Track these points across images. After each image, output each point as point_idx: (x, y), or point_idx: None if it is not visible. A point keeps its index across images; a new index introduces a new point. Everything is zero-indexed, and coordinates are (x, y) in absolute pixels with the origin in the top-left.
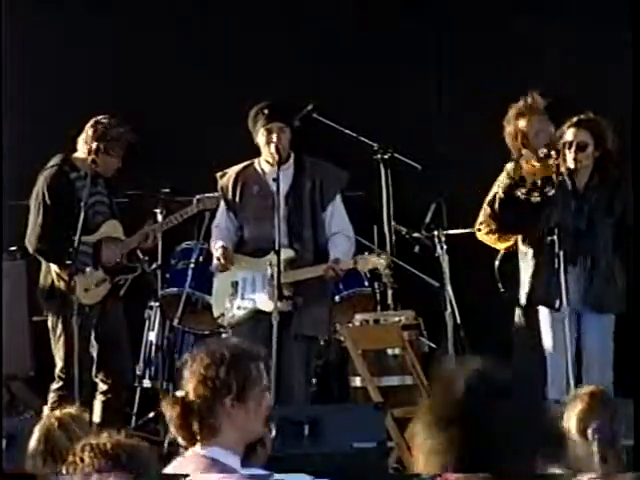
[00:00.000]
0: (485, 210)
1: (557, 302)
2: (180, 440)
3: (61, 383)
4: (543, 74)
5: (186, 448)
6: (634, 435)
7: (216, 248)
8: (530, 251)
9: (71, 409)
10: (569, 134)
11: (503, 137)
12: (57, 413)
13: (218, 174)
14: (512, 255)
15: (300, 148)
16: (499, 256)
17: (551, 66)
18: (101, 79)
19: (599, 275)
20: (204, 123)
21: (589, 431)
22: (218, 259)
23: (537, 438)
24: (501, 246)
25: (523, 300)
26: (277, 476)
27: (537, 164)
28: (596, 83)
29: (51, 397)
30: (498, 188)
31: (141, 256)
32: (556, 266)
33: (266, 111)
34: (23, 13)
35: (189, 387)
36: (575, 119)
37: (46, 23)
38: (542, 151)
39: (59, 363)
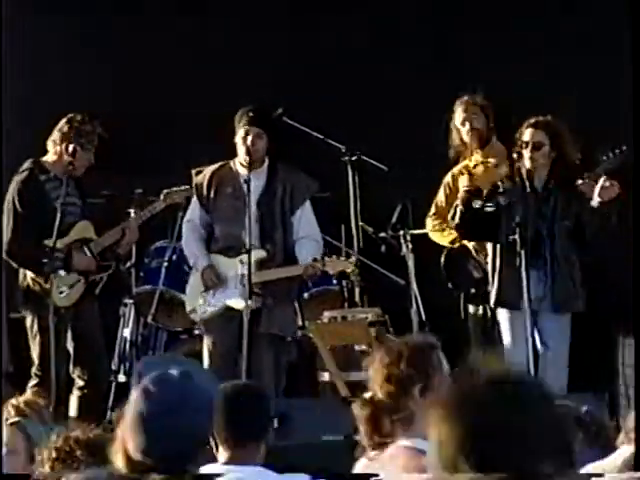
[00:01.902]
0: (441, 212)
1: (518, 302)
2: (367, 440)
3: (37, 380)
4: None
5: (373, 448)
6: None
7: (203, 268)
8: (490, 252)
9: (25, 397)
10: (526, 134)
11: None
12: (14, 403)
13: (193, 171)
14: (458, 251)
15: (274, 154)
16: (444, 252)
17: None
18: (77, 80)
19: (557, 275)
20: (176, 124)
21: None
22: (211, 281)
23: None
24: (445, 241)
25: (488, 299)
26: (275, 476)
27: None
28: (596, 83)
29: (27, 394)
30: (458, 201)
31: (119, 251)
32: (517, 265)
33: (251, 114)
34: (22, 15)
35: (375, 387)
36: (532, 120)
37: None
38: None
39: (35, 361)
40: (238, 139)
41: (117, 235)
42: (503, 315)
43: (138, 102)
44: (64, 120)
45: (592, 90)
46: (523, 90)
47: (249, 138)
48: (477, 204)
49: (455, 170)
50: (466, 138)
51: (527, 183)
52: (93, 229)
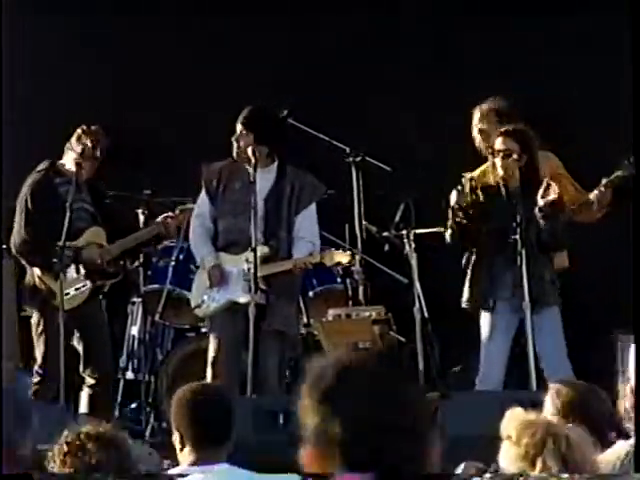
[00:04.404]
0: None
1: (487, 302)
2: None
3: (39, 378)
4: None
5: None
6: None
7: (210, 266)
8: (476, 251)
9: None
10: (498, 143)
11: (470, 138)
12: None
13: (203, 165)
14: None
15: (283, 155)
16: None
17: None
18: (77, 80)
19: (533, 274)
20: (179, 124)
21: None
22: (217, 279)
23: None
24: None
25: (470, 297)
26: (266, 477)
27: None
28: (596, 83)
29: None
30: (450, 220)
31: (126, 263)
32: (491, 266)
33: (243, 113)
34: (22, 15)
35: None
36: (503, 129)
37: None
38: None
39: (38, 359)
40: None
41: (128, 244)
42: (485, 317)
43: (139, 102)
44: (79, 130)
45: (592, 90)
46: (523, 90)
47: (235, 135)
48: (461, 219)
49: (475, 174)
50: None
51: (502, 188)
52: (105, 236)
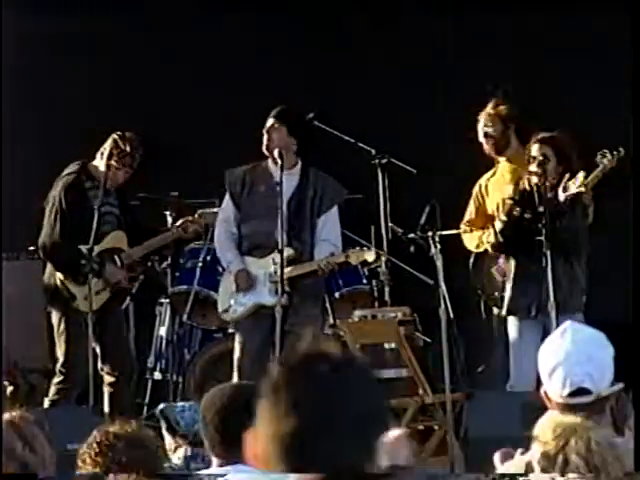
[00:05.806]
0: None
1: (527, 311)
2: None
3: (61, 378)
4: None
5: None
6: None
7: (237, 271)
8: (512, 261)
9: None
10: (533, 149)
11: None
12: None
13: (226, 171)
14: (484, 255)
15: (307, 157)
16: (472, 255)
17: (553, 68)
18: (109, 84)
19: (567, 279)
20: (210, 129)
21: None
22: (244, 284)
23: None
24: (471, 246)
25: (505, 306)
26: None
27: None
28: (596, 85)
29: (51, 391)
30: (502, 212)
31: (148, 266)
32: (529, 275)
33: (276, 109)
34: (22, 15)
35: None
36: (540, 135)
37: (50, 26)
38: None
39: (60, 359)
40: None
41: (148, 249)
42: (512, 323)
43: (168, 104)
44: (113, 137)
45: (592, 91)
46: (524, 91)
47: (265, 130)
48: (517, 212)
49: (482, 180)
50: (485, 147)
51: (536, 195)
52: (126, 241)
